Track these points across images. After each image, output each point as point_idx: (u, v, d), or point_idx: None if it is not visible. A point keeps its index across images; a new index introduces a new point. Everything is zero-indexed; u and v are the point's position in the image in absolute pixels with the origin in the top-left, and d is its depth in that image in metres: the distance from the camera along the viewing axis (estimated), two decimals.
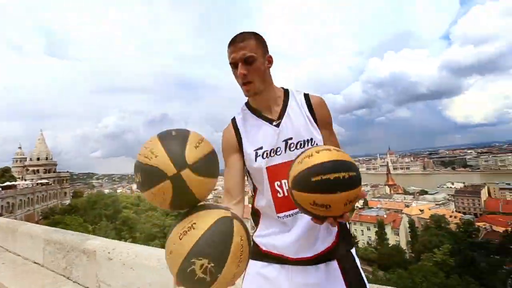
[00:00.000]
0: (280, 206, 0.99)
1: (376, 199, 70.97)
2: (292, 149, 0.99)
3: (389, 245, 41.14)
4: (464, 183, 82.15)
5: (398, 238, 44.58)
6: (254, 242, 1.06)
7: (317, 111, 1.03)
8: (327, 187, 0.70)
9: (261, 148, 1.01)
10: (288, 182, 0.78)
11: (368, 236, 46.81)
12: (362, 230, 48.62)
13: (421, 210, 52.89)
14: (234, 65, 0.96)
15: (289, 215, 0.99)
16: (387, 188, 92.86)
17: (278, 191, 0.99)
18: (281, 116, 1.03)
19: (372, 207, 58.33)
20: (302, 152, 0.79)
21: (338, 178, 0.70)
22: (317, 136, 1.00)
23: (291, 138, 1.00)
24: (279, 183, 0.99)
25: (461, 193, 67.55)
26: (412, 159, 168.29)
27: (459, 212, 58.12)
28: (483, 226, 42.83)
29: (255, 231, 1.10)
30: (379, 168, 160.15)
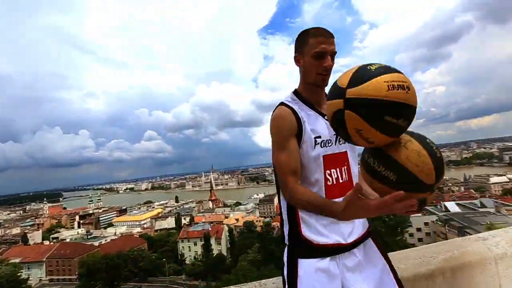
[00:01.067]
0: (330, 194, 1.04)
1: (201, 214, 75.83)
2: (340, 142, 1.10)
3: (214, 255, 44.65)
4: (264, 193, 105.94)
5: (220, 247, 49.56)
6: (303, 238, 1.05)
7: None
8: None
9: (319, 137, 1.07)
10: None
11: (195, 251, 48.47)
12: (189, 246, 49.66)
13: (237, 219, 62.23)
14: (321, 54, 1.03)
15: None
16: (210, 203, 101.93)
17: (328, 179, 1.06)
18: None
19: (198, 223, 61.56)
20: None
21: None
22: None
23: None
24: (329, 172, 1.06)
25: (262, 202, 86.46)
26: (230, 176, 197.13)
27: (262, 217, 73.92)
28: (276, 225, 56.84)
29: (297, 225, 1.07)
30: (204, 185, 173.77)
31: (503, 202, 45.07)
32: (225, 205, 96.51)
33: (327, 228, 1.04)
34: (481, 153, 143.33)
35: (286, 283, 1.06)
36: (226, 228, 54.35)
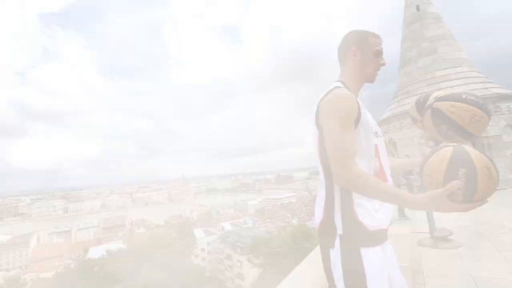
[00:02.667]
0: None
1: None
2: (377, 136, 1.19)
3: None
4: (13, 234, 73.41)
5: None
6: (360, 224, 1.02)
7: None
8: None
9: (372, 127, 1.14)
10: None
11: None
12: None
13: None
14: (380, 53, 1.16)
15: None
16: None
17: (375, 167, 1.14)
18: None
19: None
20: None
21: None
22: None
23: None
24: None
25: (6, 247, 59.44)
26: None
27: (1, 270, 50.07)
28: (30, 277, 40.57)
29: (352, 211, 1.04)
30: None
31: (257, 219, 63.07)
32: None
33: (379, 212, 1.06)
34: (244, 183, 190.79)
35: (348, 276, 1.00)
36: None
